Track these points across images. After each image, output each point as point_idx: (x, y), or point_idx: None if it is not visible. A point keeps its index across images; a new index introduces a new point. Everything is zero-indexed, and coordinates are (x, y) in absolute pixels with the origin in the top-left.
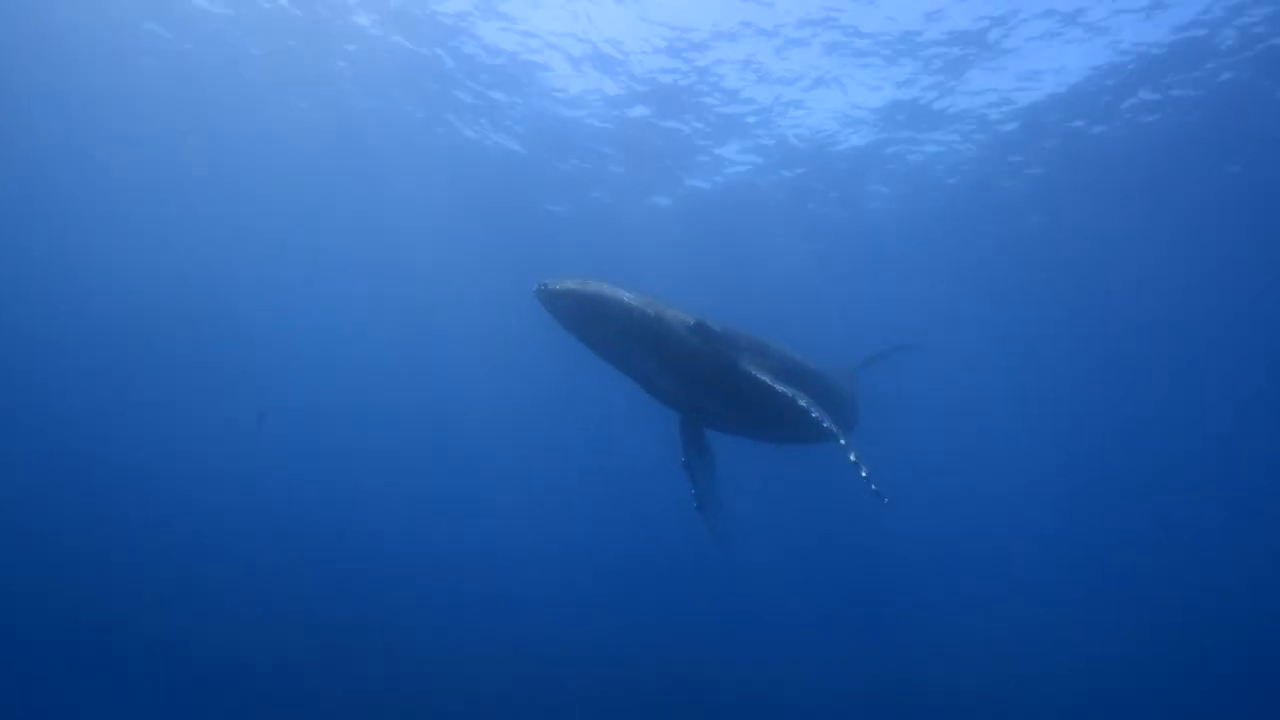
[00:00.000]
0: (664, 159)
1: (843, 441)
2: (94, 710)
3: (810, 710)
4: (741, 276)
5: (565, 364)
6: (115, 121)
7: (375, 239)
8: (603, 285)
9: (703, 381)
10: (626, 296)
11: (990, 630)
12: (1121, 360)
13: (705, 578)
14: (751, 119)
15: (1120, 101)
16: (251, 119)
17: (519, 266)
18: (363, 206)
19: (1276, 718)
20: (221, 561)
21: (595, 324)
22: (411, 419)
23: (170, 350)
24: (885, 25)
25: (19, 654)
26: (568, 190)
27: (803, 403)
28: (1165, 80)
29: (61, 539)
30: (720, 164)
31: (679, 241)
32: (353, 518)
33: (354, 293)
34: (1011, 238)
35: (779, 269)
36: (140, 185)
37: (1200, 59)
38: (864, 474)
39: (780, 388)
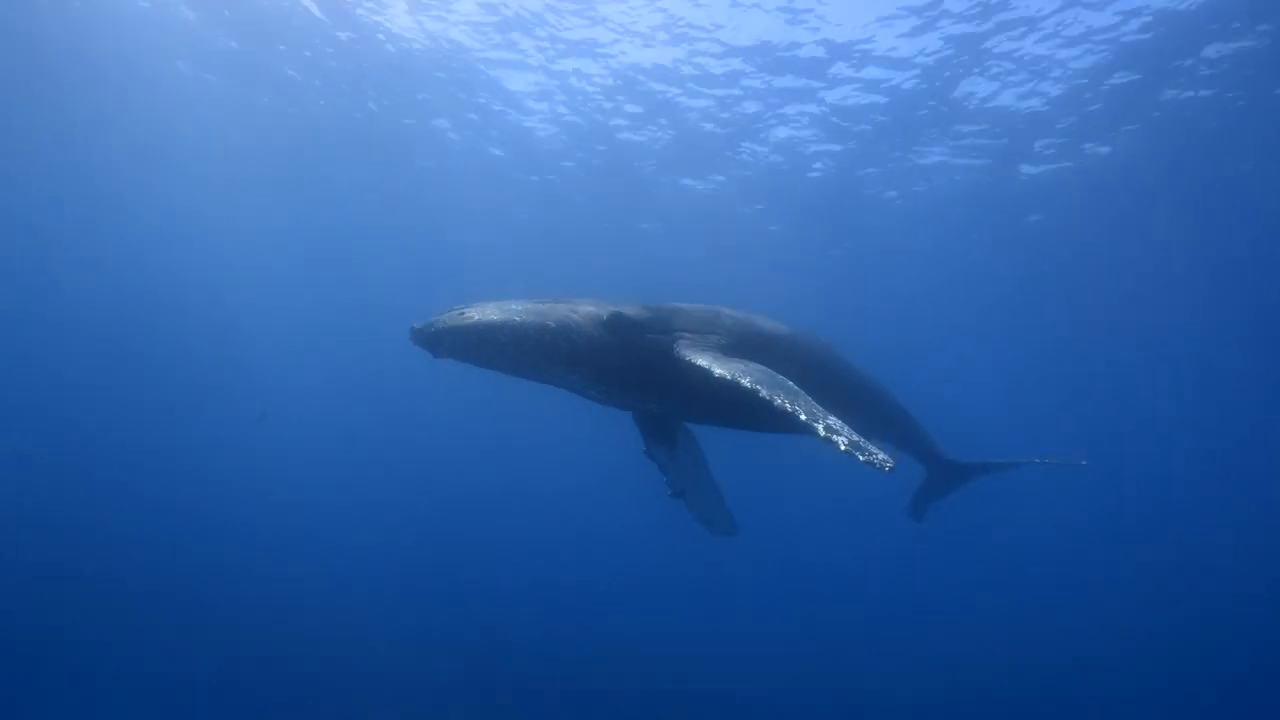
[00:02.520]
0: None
1: (818, 427)
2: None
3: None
4: None
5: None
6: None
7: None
8: (485, 310)
9: (635, 380)
10: (517, 315)
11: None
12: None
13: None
14: None
15: None
16: None
17: None
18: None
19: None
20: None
21: (492, 356)
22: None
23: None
24: None
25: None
26: None
27: (747, 382)
28: None
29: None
30: None
31: None
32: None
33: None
34: None
35: None
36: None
37: None
38: (861, 457)
39: (719, 369)
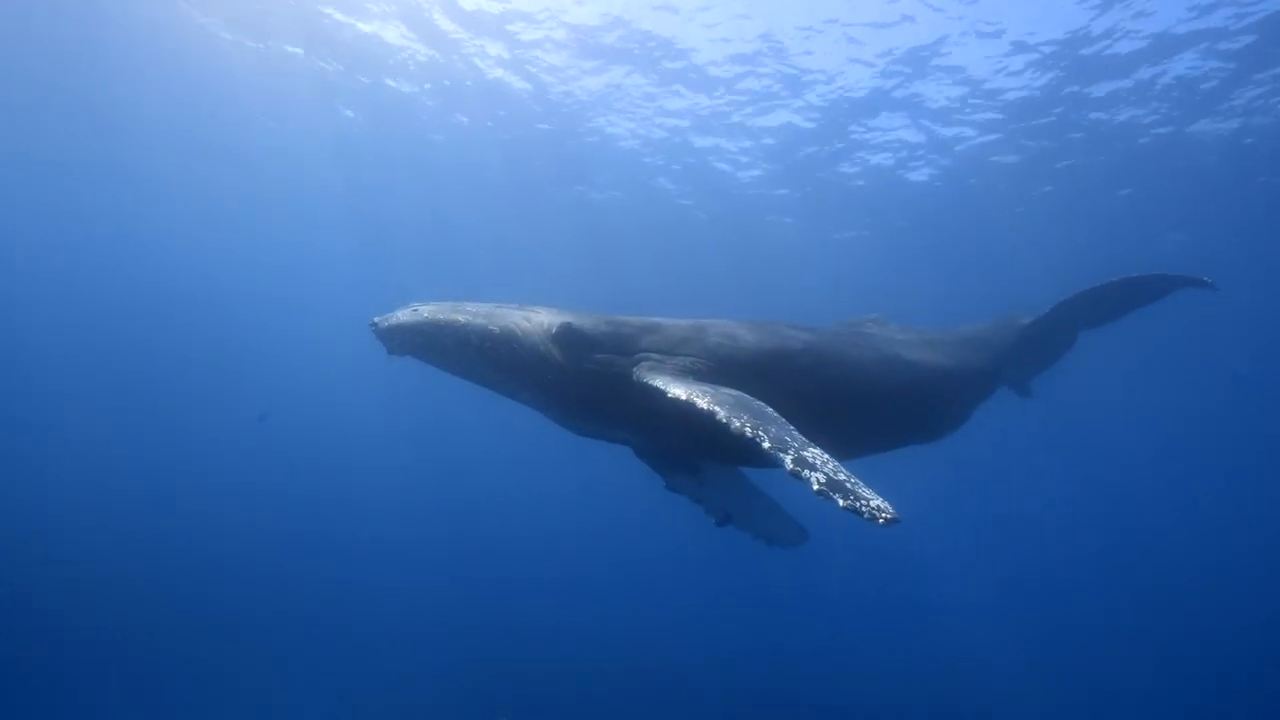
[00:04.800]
0: None
1: (786, 458)
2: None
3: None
4: None
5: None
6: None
7: None
8: (437, 309)
9: (587, 405)
10: (464, 317)
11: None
12: None
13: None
14: None
15: None
16: None
17: None
18: None
19: None
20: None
21: (440, 358)
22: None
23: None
24: None
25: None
26: None
27: (703, 403)
28: None
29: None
30: None
31: None
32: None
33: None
34: None
35: None
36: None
37: None
38: (841, 501)
39: (675, 389)
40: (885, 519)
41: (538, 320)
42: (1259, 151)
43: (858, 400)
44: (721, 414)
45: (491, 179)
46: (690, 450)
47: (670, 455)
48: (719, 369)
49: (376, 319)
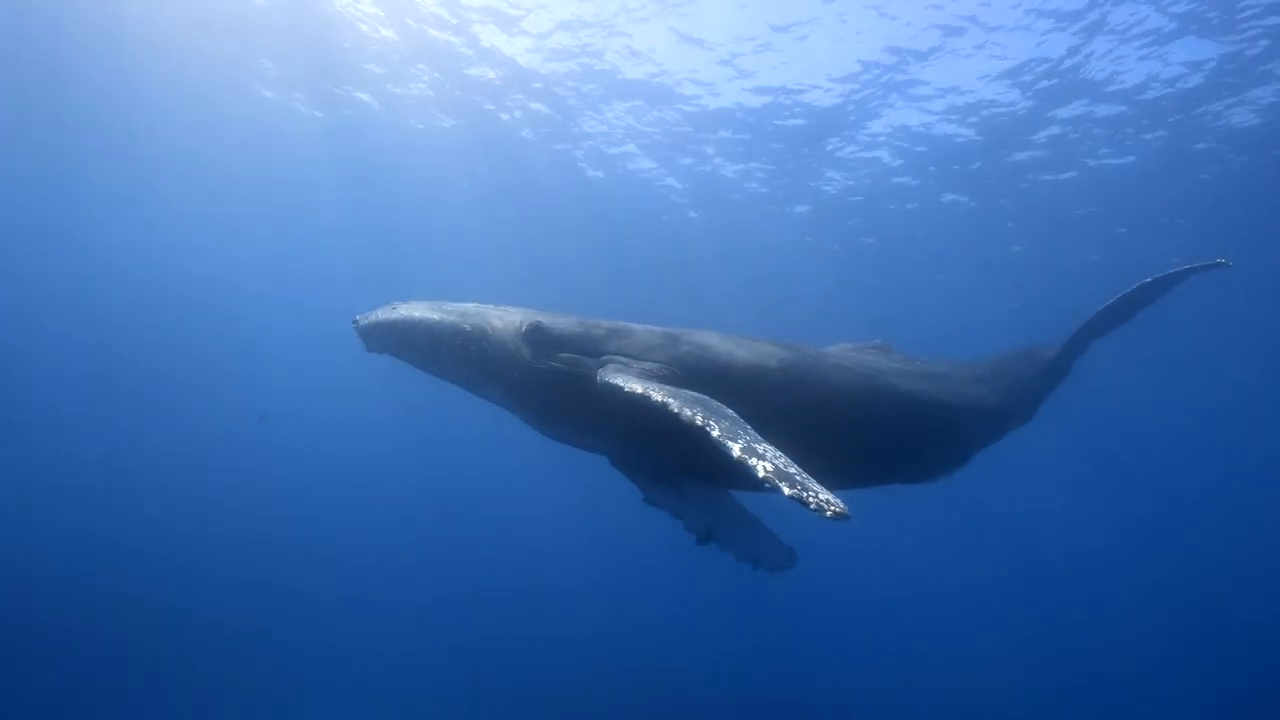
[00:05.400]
0: None
1: (734, 446)
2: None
3: None
4: None
5: None
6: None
7: None
8: (414, 307)
9: (556, 407)
10: (437, 315)
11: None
12: None
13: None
14: None
15: None
16: None
17: None
18: None
19: None
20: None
21: (416, 357)
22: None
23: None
24: None
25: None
26: None
27: (657, 396)
28: None
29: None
30: None
31: None
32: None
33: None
34: None
35: None
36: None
37: None
38: (787, 489)
39: (631, 386)
40: (834, 511)
41: (510, 319)
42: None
43: (836, 425)
44: (674, 405)
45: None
46: (658, 459)
47: (643, 466)
48: (686, 377)
49: (358, 317)
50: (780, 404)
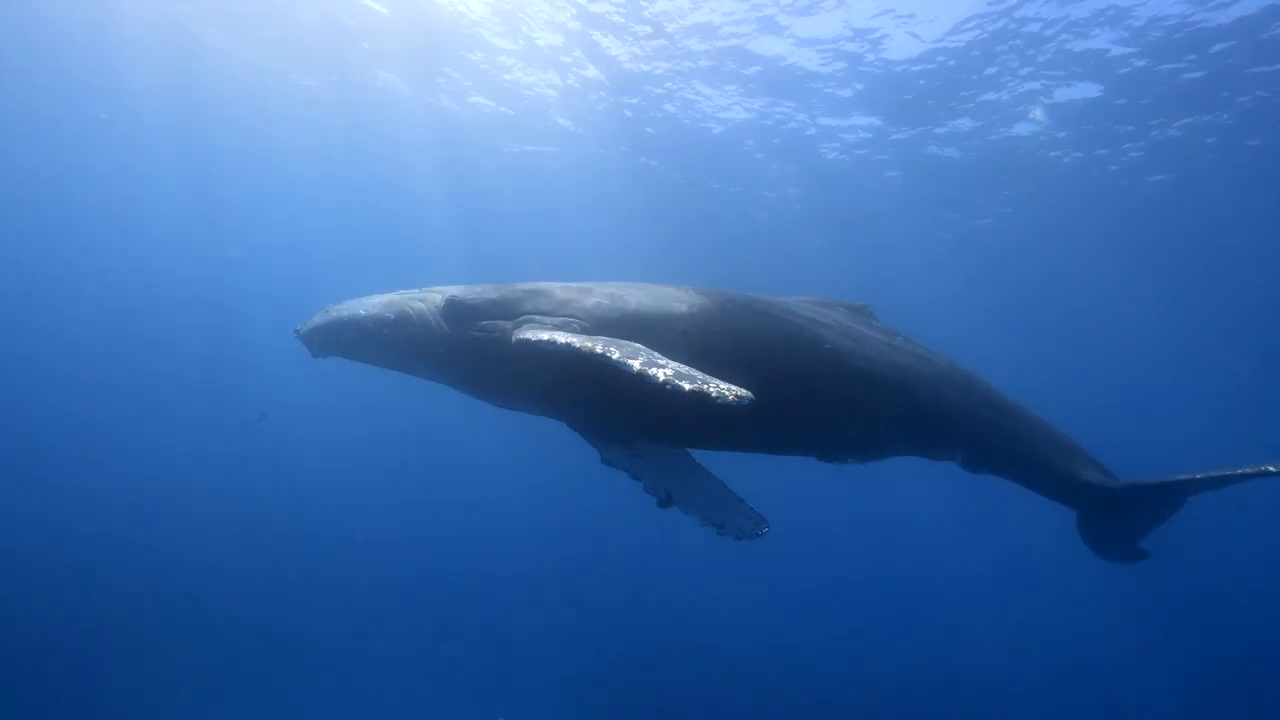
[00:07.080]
0: None
1: (634, 365)
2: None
3: None
4: None
5: None
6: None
7: None
8: (343, 307)
9: (486, 373)
10: (363, 310)
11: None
12: None
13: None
14: None
15: None
16: None
17: None
18: None
19: None
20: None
21: (357, 353)
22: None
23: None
24: None
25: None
26: None
27: (561, 340)
28: None
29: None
30: None
31: None
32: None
33: None
34: None
35: None
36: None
37: None
38: (686, 385)
39: (538, 335)
40: (735, 395)
41: (430, 299)
42: None
43: (747, 368)
44: (575, 343)
45: None
46: (602, 414)
47: (593, 425)
48: (596, 328)
49: (298, 326)
50: (693, 346)
